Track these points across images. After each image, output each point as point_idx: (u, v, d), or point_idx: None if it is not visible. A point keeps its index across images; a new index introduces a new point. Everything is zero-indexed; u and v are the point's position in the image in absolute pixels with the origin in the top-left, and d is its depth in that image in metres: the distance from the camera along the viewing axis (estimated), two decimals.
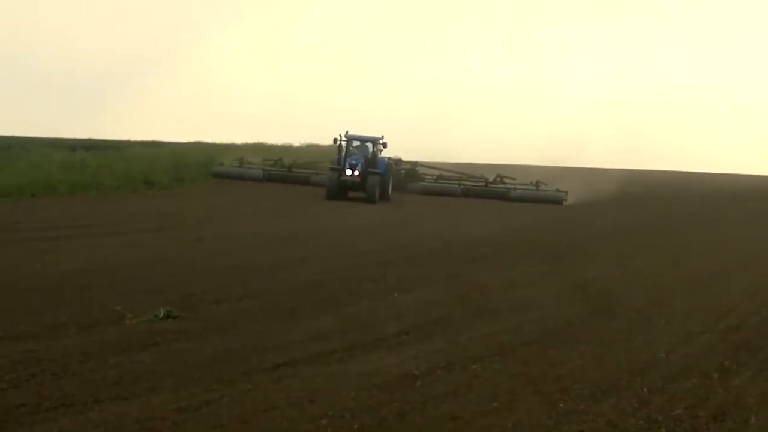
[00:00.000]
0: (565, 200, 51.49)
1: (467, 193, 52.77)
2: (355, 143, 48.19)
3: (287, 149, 73.60)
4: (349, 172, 46.25)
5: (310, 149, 72.82)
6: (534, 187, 53.35)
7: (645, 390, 12.10)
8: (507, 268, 23.96)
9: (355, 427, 10.12)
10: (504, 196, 52.14)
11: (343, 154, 47.25)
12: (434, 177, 55.59)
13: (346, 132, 47.80)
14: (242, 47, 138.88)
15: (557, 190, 52.40)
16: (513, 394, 11.68)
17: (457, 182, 54.62)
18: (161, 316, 14.83)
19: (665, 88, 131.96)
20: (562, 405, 11.25)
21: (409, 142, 57.39)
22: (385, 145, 47.92)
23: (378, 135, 48.17)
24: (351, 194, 46.69)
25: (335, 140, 47.58)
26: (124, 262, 21.30)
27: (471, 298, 18.78)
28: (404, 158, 55.74)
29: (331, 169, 47.47)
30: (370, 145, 48.19)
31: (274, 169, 55.37)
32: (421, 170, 56.27)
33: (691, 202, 59.79)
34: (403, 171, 54.98)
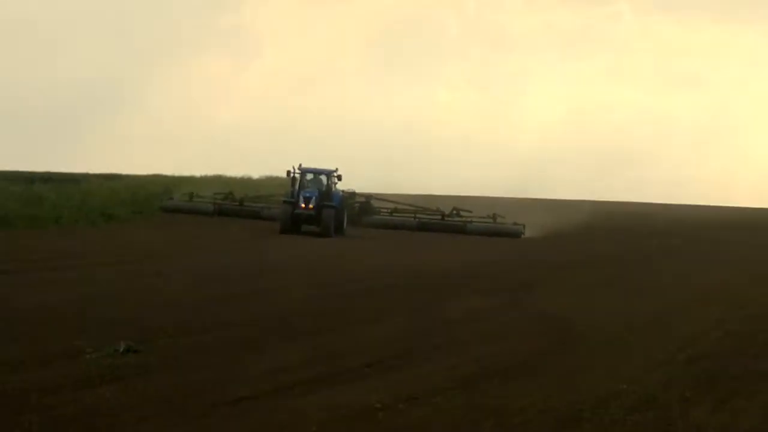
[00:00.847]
0: (523, 233, 50.89)
1: (423, 227, 52.01)
2: (309, 176, 47.23)
3: (246, 181, 73.45)
4: (303, 205, 45.14)
5: (269, 182, 72.51)
6: (491, 220, 52.66)
7: (607, 421, 12.12)
8: (469, 300, 23.99)
9: None
10: (460, 230, 51.48)
11: (297, 187, 46.29)
12: (389, 210, 55.00)
13: (299, 164, 46.87)
14: (200, 79, 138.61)
15: (514, 224, 51.77)
16: (475, 426, 11.66)
17: (413, 215, 53.93)
18: (121, 350, 14.71)
19: (633, 118, 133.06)
20: None
21: (366, 174, 57.07)
22: (339, 177, 46.96)
23: (332, 167, 47.38)
24: (305, 228, 45.47)
25: (288, 173, 46.52)
26: (83, 295, 21.12)
27: (433, 331, 18.78)
28: (358, 191, 55.22)
29: (285, 202, 46.31)
30: (324, 177, 47.22)
31: (224, 203, 54.33)
32: (375, 203, 55.36)
33: (655, 233, 60.05)
34: (357, 204, 53.95)
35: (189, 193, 55.76)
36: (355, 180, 52.35)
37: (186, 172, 75.09)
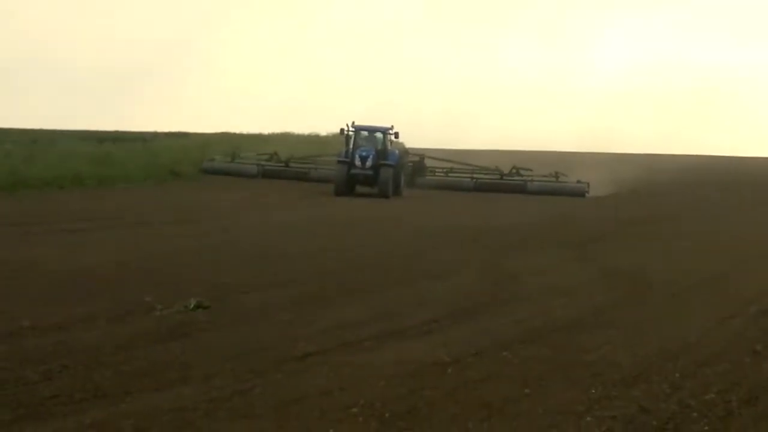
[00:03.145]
0: (587, 192, 48.70)
1: (480, 187, 49.95)
2: (364, 134, 44.88)
3: (314, 139, 73.53)
4: (359, 164, 43.21)
5: (335, 139, 72.17)
6: (553, 179, 50.85)
7: (677, 375, 12.01)
8: (536, 254, 23.91)
9: (386, 415, 10.08)
10: (520, 189, 49.39)
11: (351, 145, 44.06)
12: (445, 170, 53.00)
13: (353, 122, 44.86)
14: (268, 38, 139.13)
15: (578, 182, 49.81)
16: (544, 380, 11.61)
17: (470, 175, 51.98)
18: (191, 306, 14.84)
19: (698, 73, 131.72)
20: (593, 391, 11.18)
21: (431, 129, 56.26)
22: (396, 135, 45.14)
23: (387, 125, 45.29)
24: (359, 189, 43.77)
25: (342, 131, 44.62)
26: (153, 253, 21.36)
27: (500, 285, 18.75)
28: (411, 148, 53.38)
29: (339, 162, 44.18)
30: (380, 135, 44.97)
31: (269, 164, 52.34)
32: (428, 163, 53.03)
33: (721, 188, 59.25)
34: (410, 164, 51.42)
35: (231, 153, 53.71)
36: (418, 136, 51.44)
37: (254, 129, 75.39)
